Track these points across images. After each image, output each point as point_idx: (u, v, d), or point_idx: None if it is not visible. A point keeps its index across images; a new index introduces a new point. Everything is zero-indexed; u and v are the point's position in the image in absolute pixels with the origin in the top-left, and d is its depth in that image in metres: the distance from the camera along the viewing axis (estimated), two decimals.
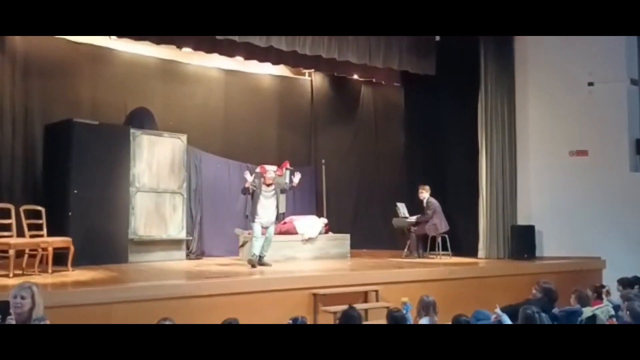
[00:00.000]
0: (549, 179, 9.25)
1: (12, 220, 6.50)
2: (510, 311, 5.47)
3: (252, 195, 7.75)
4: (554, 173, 9.21)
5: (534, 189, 9.34)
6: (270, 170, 7.89)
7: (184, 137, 8.87)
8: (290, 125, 11.17)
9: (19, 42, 8.22)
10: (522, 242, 8.99)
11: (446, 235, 8.87)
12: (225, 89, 10.48)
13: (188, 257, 8.82)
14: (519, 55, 9.51)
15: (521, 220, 9.29)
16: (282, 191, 8.08)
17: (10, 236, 6.36)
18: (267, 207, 7.70)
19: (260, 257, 7.66)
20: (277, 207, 7.92)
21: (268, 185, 7.74)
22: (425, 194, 9.00)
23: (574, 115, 9.18)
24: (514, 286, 7.10)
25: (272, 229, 7.81)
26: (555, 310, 5.55)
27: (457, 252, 8.95)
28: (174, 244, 8.62)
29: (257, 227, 7.64)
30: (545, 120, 9.35)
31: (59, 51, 8.56)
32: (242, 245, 8.69)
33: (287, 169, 9.66)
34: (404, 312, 4.65)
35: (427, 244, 9.10)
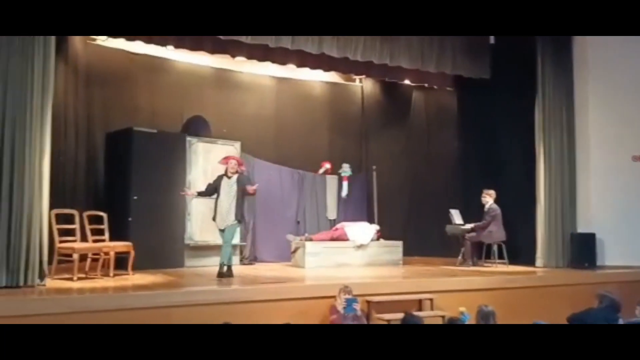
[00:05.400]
0: (611, 184, 8.87)
1: (76, 225, 6.77)
2: (574, 321, 5.29)
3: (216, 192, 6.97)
4: (616, 178, 8.83)
5: (594, 195, 8.97)
6: (232, 161, 7.03)
7: (238, 144, 9.02)
8: (341, 132, 11.18)
9: (81, 54, 8.56)
10: (582, 250, 8.66)
11: (502, 244, 8.65)
12: (277, 96, 10.61)
13: (241, 262, 8.94)
14: (578, 56, 9.16)
15: (581, 228, 8.94)
16: (244, 193, 6.98)
17: (75, 241, 6.62)
18: (223, 206, 6.86)
19: (220, 266, 6.82)
20: (238, 207, 6.89)
21: (229, 177, 6.95)
22: (488, 199, 8.73)
23: (637, 118, 8.79)
24: (575, 296, 6.85)
25: (229, 234, 6.87)
26: (620, 322, 5.33)
27: (513, 261, 8.69)
28: None
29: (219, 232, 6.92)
30: (607, 124, 8.97)
31: (118, 62, 8.87)
32: (294, 251, 8.76)
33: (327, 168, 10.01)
34: (463, 321, 4.56)
35: (482, 252, 8.89)
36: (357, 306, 5.64)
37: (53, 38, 5.95)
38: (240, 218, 6.98)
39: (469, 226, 8.86)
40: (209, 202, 8.54)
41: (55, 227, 6.39)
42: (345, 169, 10.41)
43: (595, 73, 9.07)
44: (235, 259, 8.78)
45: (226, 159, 7.11)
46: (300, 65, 9.35)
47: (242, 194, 6.98)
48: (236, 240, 8.75)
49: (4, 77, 5.63)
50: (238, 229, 7.07)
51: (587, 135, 9.07)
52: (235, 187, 6.92)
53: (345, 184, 10.34)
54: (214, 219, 7.05)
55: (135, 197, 7.70)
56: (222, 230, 6.96)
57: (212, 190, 7.11)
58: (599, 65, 9.06)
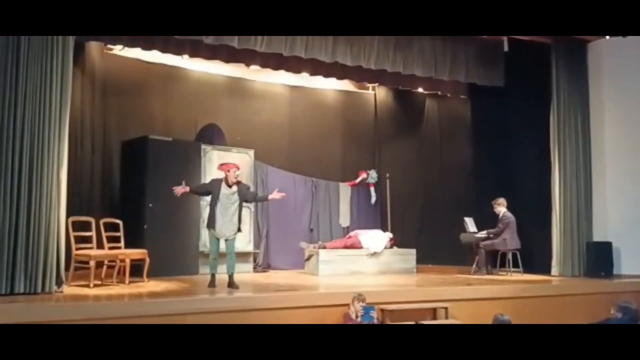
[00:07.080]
0: (627, 192, 8.76)
1: (93, 233, 6.84)
2: None
3: (211, 197, 6.67)
4: (633, 186, 8.72)
5: (610, 203, 8.86)
6: (234, 169, 6.67)
7: (252, 152, 9.07)
8: (354, 140, 11.20)
9: (97, 63, 8.68)
10: (599, 259, 8.56)
11: (517, 252, 8.58)
12: (290, 105, 10.66)
13: (255, 269, 8.99)
14: (593, 62, 9.09)
15: (597, 237, 8.84)
16: (246, 200, 6.83)
17: (91, 248, 6.68)
18: (225, 215, 6.59)
19: (230, 277, 6.60)
20: (240, 217, 6.70)
21: (230, 185, 6.63)
22: (500, 208, 8.70)
23: None
24: (591, 305, 6.80)
25: (232, 244, 6.68)
26: None
27: (528, 269, 8.62)
28: (241, 256, 8.73)
29: (210, 240, 6.68)
30: (623, 131, 8.86)
31: (134, 71, 8.98)
32: (308, 259, 8.77)
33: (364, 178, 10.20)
34: None
35: (496, 260, 8.84)
36: (374, 314, 5.65)
37: (71, 48, 6.05)
38: (241, 228, 6.82)
39: (482, 234, 8.82)
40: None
41: (72, 234, 6.45)
42: (373, 176, 10.52)
43: (610, 79, 8.98)
44: (249, 266, 8.85)
45: (226, 166, 6.83)
46: (313, 73, 9.38)
47: (243, 204, 6.79)
48: (249, 247, 8.83)
49: (23, 87, 5.73)
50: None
51: (603, 142, 8.98)
52: (237, 197, 6.66)
53: (372, 189, 10.55)
54: (209, 227, 6.68)
55: (150, 205, 7.76)
56: (225, 240, 6.71)
57: (205, 192, 6.86)
58: (614, 70, 8.96)
